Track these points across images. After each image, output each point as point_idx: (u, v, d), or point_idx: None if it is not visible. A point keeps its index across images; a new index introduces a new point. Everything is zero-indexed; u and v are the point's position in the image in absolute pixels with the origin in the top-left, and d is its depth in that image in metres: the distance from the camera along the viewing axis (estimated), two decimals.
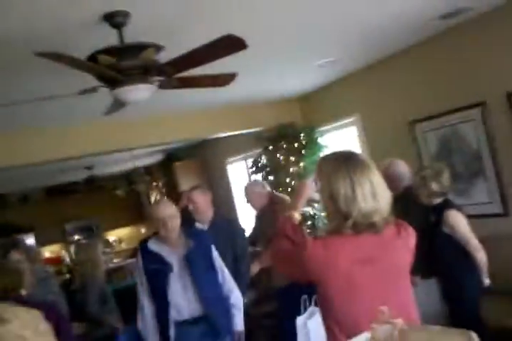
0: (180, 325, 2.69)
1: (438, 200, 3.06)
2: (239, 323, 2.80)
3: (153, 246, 2.76)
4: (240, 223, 3.89)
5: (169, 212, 2.71)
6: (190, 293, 2.68)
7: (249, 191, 3.93)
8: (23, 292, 2.54)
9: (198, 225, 3.51)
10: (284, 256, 1.71)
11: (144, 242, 2.84)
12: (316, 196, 1.98)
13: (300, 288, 3.81)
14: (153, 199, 8.51)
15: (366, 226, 1.56)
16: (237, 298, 2.84)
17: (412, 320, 1.59)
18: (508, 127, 3.66)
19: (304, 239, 1.63)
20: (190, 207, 3.50)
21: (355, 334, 1.44)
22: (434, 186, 3.01)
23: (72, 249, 9.77)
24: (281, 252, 1.72)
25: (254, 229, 4.05)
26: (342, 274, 1.55)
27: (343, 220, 1.56)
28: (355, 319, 1.56)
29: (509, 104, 3.61)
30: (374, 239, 1.58)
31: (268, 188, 4.02)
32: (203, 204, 3.48)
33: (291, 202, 1.92)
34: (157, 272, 2.70)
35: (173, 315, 2.67)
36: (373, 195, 1.55)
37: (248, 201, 3.96)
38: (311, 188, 1.82)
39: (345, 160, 1.62)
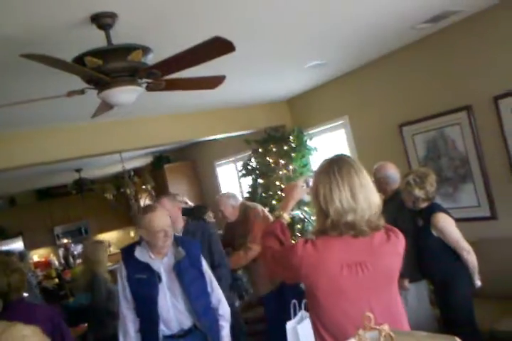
0: (168, 339, 2.56)
1: (424, 204, 3.07)
2: (227, 335, 2.68)
3: (140, 254, 2.58)
4: (213, 227, 3.85)
5: (168, 221, 2.54)
6: (180, 304, 2.54)
7: (223, 203, 3.95)
8: (25, 294, 2.49)
9: None
10: (274, 256, 1.75)
11: (127, 250, 2.69)
12: (306, 197, 2.01)
13: (284, 294, 3.84)
14: (143, 202, 8.45)
15: (344, 226, 1.58)
16: (225, 310, 2.72)
17: (400, 326, 1.60)
18: (494, 131, 3.69)
19: (294, 243, 1.66)
20: None
21: (341, 338, 1.44)
22: (418, 192, 3.01)
23: (61, 252, 9.69)
24: (271, 251, 1.77)
25: (224, 236, 4.08)
26: (330, 277, 1.57)
27: (324, 219, 1.61)
28: (342, 323, 1.58)
29: (495, 108, 3.64)
30: (363, 243, 1.60)
31: (240, 200, 4.08)
32: (171, 211, 3.25)
33: (281, 203, 1.95)
34: (144, 282, 2.53)
35: (162, 328, 2.53)
36: (352, 196, 1.59)
37: (221, 212, 3.98)
38: (301, 190, 1.87)
39: (331, 162, 1.68)
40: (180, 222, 3.39)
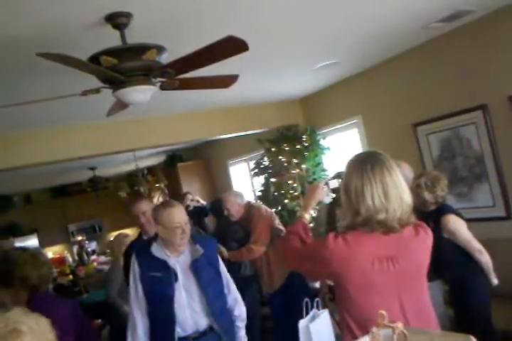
0: (183, 340, 2.46)
1: (433, 207, 3.05)
2: (244, 337, 2.61)
3: (156, 251, 2.47)
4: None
5: (186, 218, 2.48)
6: (196, 304, 2.44)
7: (230, 202, 4.01)
8: (50, 286, 2.51)
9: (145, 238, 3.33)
10: (299, 254, 1.77)
11: (140, 245, 2.59)
12: (327, 199, 2.10)
13: (291, 293, 3.87)
14: (156, 200, 8.49)
15: (376, 224, 1.59)
16: (241, 310, 2.63)
17: (428, 320, 1.64)
18: (509, 130, 3.65)
19: (324, 237, 1.66)
20: (142, 219, 3.30)
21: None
22: (427, 195, 2.99)
23: (75, 249, 9.80)
24: (294, 249, 1.78)
25: (230, 232, 4.16)
26: (361, 270, 1.58)
27: (355, 216, 1.62)
28: (373, 317, 1.56)
29: (511, 107, 3.59)
30: (393, 238, 1.61)
31: (245, 199, 4.13)
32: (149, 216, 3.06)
33: (303, 203, 2.00)
34: (159, 281, 2.42)
35: (176, 330, 2.42)
36: (385, 195, 1.59)
37: (227, 210, 4.03)
38: (322, 191, 1.92)
39: (363, 159, 1.68)
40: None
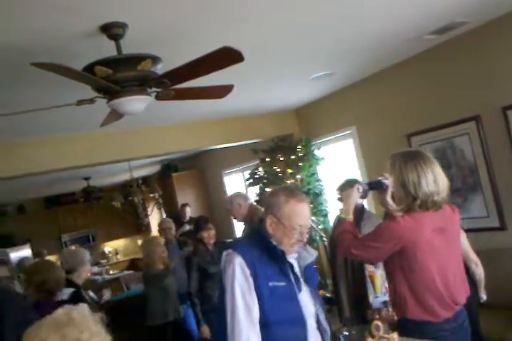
0: None
1: None
2: None
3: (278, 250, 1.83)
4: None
5: (310, 220, 1.98)
6: (313, 323, 1.87)
7: (229, 202, 3.99)
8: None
9: None
10: (362, 241, 2.13)
11: (245, 243, 1.94)
12: (360, 200, 2.59)
13: None
14: (150, 210, 8.42)
15: (430, 203, 2.05)
16: None
17: (465, 279, 2.18)
18: (502, 141, 3.67)
19: (392, 219, 2.07)
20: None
21: (430, 292, 2.01)
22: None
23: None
24: (355, 241, 2.14)
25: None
26: (426, 239, 2.04)
27: (412, 201, 2.05)
28: (432, 273, 2.04)
29: (504, 118, 3.62)
30: (441, 214, 2.11)
31: (250, 201, 4.06)
32: None
33: (344, 209, 2.37)
34: (283, 293, 1.79)
35: None
36: (434, 181, 2.06)
37: (229, 211, 4.03)
38: (356, 195, 2.32)
39: (413, 156, 2.13)
40: None
